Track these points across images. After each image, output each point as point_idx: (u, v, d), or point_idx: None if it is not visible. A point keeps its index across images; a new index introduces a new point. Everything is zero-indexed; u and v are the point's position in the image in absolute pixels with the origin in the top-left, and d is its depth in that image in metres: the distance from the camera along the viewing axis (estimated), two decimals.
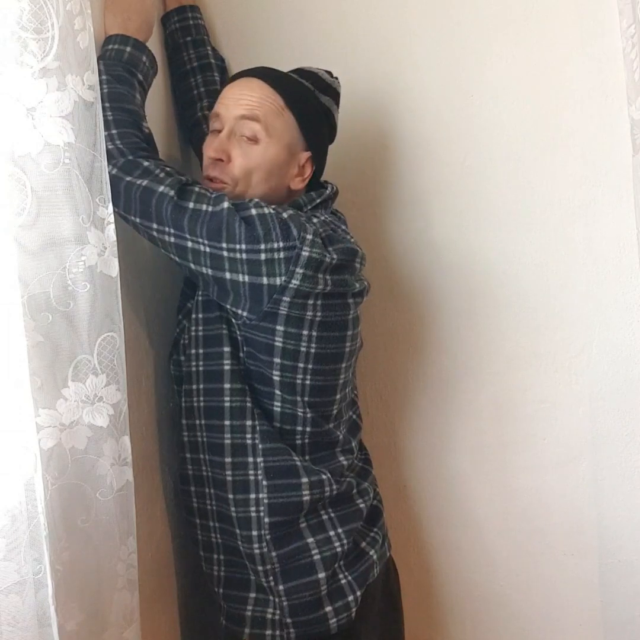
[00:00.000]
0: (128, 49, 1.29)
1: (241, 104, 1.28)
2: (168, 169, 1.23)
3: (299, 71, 1.36)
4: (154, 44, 1.48)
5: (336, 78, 1.39)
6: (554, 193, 1.60)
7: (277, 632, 1.30)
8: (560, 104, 1.57)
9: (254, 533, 1.28)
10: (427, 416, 1.73)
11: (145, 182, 1.19)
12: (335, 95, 1.38)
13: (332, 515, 1.32)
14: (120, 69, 1.27)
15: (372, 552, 1.37)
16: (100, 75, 1.18)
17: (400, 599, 1.51)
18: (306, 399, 1.28)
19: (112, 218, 1.10)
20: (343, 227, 1.35)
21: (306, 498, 1.28)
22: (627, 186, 1.53)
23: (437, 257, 1.67)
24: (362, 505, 1.37)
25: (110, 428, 1.10)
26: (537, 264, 1.63)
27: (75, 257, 1.04)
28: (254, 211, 1.19)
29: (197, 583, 1.47)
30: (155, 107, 1.48)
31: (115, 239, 1.10)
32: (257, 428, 1.27)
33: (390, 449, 1.75)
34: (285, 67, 1.36)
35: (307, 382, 1.26)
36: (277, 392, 1.27)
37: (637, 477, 1.65)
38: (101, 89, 1.20)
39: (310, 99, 1.33)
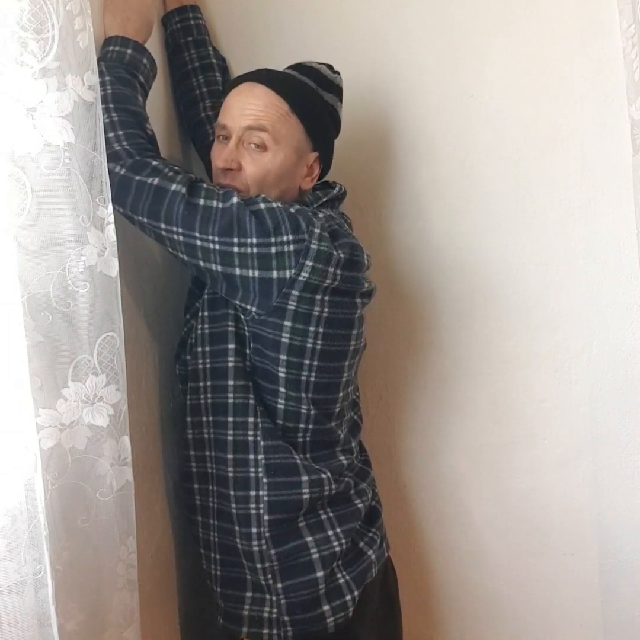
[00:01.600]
0: (129, 51, 1.29)
1: (247, 114, 1.28)
2: (176, 168, 1.24)
3: (300, 67, 1.35)
4: (155, 45, 1.48)
5: (337, 72, 1.38)
6: (554, 193, 1.60)
7: (275, 631, 1.30)
8: (560, 104, 1.57)
9: (254, 530, 1.28)
10: (427, 416, 1.73)
11: (156, 181, 1.20)
12: (338, 91, 1.38)
13: (331, 514, 1.33)
14: (122, 70, 1.27)
15: (370, 552, 1.37)
16: (103, 76, 1.18)
17: (398, 599, 1.51)
18: (310, 395, 1.28)
19: (112, 218, 1.10)
20: (346, 226, 1.36)
21: (306, 496, 1.28)
22: (627, 186, 1.53)
23: (437, 257, 1.67)
24: (360, 506, 1.37)
25: (110, 428, 1.10)
26: (537, 264, 1.63)
27: (75, 257, 1.04)
28: (262, 205, 1.21)
29: (196, 583, 1.47)
30: (156, 108, 1.48)
31: (115, 239, 1.10)
32: (259, 425, 1.28)
33: (390, 448, 1.75)
34: (284, 66, 1.36)
35: (312, 378, 1.27)
36: (282, 389, 1.28)
37: (637, 477, 1.65)
38: (105, 90, 1.20)
39: (314, 100, 1.33)
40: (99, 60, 1.12)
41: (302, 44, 1.66)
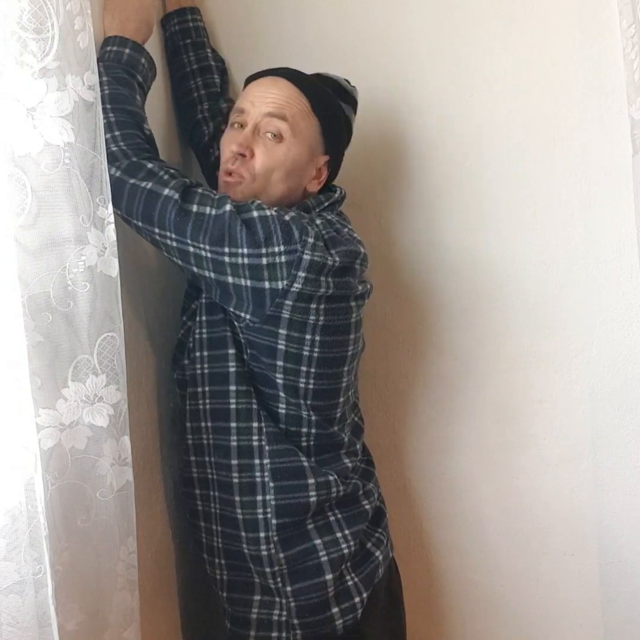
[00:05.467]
0: (126, 50, 1.29)
1: (268, 101, 1.28)
2: (172, 171, 1.22)
3: (320, 77, 1.36)
4: (155, 46, 1.48)
5: (354, 87, 1.40)
6: (554, 193, 1.60)
7: (284, 634, 1.30)
8: (560, 104, 1.57)
9: (261, 535, 1.28)
10: (428, 416, 1.73)
11: (149, 185, 1.19)
12: (354, 103, 1.40)
13: (339, 516, 1.32)
14: (120, 70, 1.27)
15: (377, 553, 1.37)
16: (100, 76, 1.17)
17: (402, 598, 1.51)
18: (309, 402, 1.28)
19: (112, 218, 1.09)
20: (349, 226, 1.35)
21: (313, 499, 1.28)
22: (627, 186, 1.53)
23: (438, 258, 1.67)
24: (367, 507, 1.37)
25: (110, 428, 1.09)
26: (537, 264, 1.63)
27: (75, 257, 1.04)
28: (255, 213, 1.19)
29: (197, 584, 1.47)
30: (156, 109, 1.48)
31: (115, 239, 1.09)
32: (264, 430, 1.27)
33: (391, 449, 1.75)
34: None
35: (310, 385, 1.26)
36: (281, 394, 1.27)
37: (637, 477, 1.65)
38: (102, 90, 1.20)
39: (333, 106, 1.34)
40: (97, 60, 1.11)
41: (303, 45, 1.66)
